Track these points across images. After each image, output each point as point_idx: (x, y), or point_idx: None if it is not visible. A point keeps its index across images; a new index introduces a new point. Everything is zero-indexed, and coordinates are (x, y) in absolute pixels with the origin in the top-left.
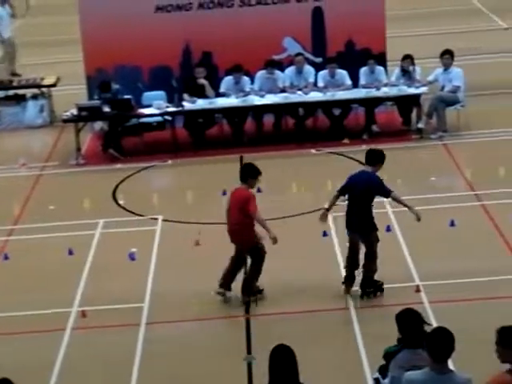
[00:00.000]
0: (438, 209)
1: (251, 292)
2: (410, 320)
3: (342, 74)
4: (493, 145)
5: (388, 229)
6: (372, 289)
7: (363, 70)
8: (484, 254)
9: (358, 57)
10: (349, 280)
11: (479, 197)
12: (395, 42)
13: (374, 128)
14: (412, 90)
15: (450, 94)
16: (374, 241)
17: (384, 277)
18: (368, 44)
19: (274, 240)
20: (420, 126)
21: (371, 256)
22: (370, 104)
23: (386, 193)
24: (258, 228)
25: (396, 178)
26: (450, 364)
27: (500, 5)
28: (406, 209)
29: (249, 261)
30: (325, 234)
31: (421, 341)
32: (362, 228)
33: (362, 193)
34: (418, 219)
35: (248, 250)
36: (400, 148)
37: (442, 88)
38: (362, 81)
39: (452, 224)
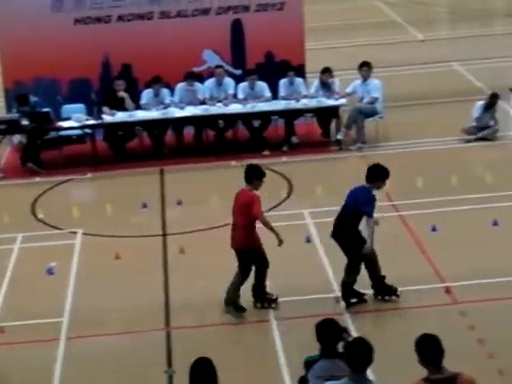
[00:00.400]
0: None
1: (264, 298)
2: (328, 330)
3: (262, 85)
4: (411, 155)
5: (307, 240)
6: (356, 299)
7: (283, 82)
8: (407, 263)
9: (277, 69)
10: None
11: (397, 207)
12: (314, 54)
13: (294, 139)
14: (331, 102)
15: (369, 106)
16: (357, 254)
17: (305, 287)
18: (287, 56)
19: (280, 242)
20: (339, 137)
21: (350, 268)
22: (290, 116)
23: (365, 212)
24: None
25: (315, 189)
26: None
27: (416, 17)
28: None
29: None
30: None
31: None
32: (344, 239)
33: (347, 205)
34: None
35: (247, 253)
36: (319, 159)
37: (361, 100)
38: (282, 93)
39: None
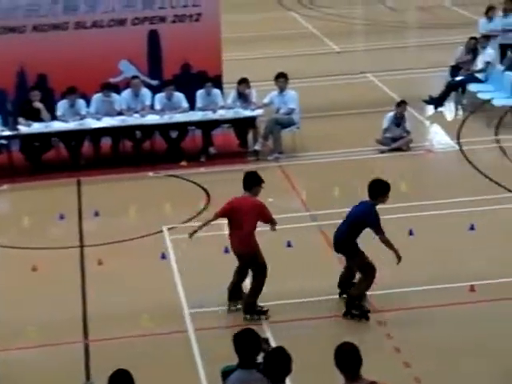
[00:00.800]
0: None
1: (253, 311)
2: (245, 340)
3: (179, 96)
4: (328, 166)
5: (226, 250)
6: (358, 312)
7: (200, 93)
8: (320, 273)
9: (194, 79)
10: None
11: (314, 217)
12: (231, 64)
13: (211, 150)
14: (248, 113)
15: (286, 117)
16: (362, 262)
17: (223, 298)
18: (204, 67)
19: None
20: (256, 147)
21: (363, 274)
22: (207, 126)
23: (373, 226)
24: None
25: None
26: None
27: (332, 29)
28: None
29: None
30: (163, 256)
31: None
32: (344, 250)
33: (349, 216)
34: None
35: (250, 259)
36: (237, 170)
37: (278, 110)
38: (199, 103)
39: (289, 245)
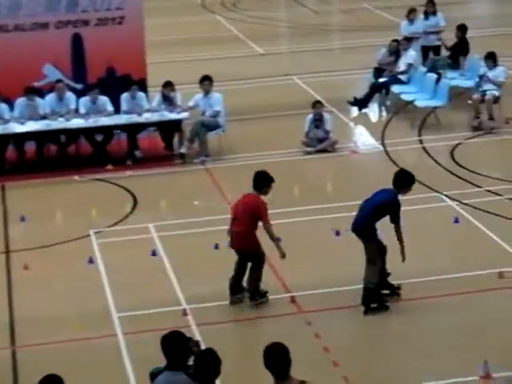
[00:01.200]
0: (203, 232)
1: (257, 295)
2: (172, 342)
3: (104, 100)
4: (254, 168)
5: (153, 253)
6: (376, 304)
7: (124, 96)
8: None
9: (118, 83)
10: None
11: None
12: (156, 68)
13: (137, 153)
14: (173, 116)
15: (211, 119)
16: (374, 249)
17: (151, 301)
18: (129, 70)
19: (283, 256)
20: (182, 150)
21: (369, 264)
22: (133, 130)
23: (393, 212)
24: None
25: (160, 203)
26: None
27: (256, 32)
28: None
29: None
30: (90, 260)
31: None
32: (363, 233)
33: (372, 200)
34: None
35: (249, 255)
36: (163, 173)
37: (203, 113)
38: (124, 107)
39: (216, 247)
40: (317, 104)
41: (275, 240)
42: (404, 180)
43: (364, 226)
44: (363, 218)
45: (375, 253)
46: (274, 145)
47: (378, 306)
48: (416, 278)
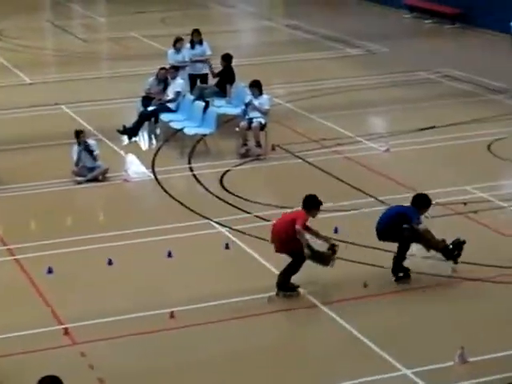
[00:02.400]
0: None
1: (286, 287)
2: None
3: None
4: (26, 198)
5: None
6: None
7: None
8: (20, 308)
9: None
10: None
11: (12, 251)
12: None
13: None
14: None
15: None
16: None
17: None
18: None
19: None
20: None
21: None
22: None
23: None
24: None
25: None
26: None
27: (23, 60)
28: None
29: None
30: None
31: None
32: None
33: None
34: None
35: (293, 255)
36: None
37: None
38: None
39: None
40: (80, 134)
41: (303, 241)
42: (424, 202)
43: (389, 230)
44: (389, 220)
45: (412, 236)
46: (45, 175)
47: (404, 275)
48: (184, 306)
